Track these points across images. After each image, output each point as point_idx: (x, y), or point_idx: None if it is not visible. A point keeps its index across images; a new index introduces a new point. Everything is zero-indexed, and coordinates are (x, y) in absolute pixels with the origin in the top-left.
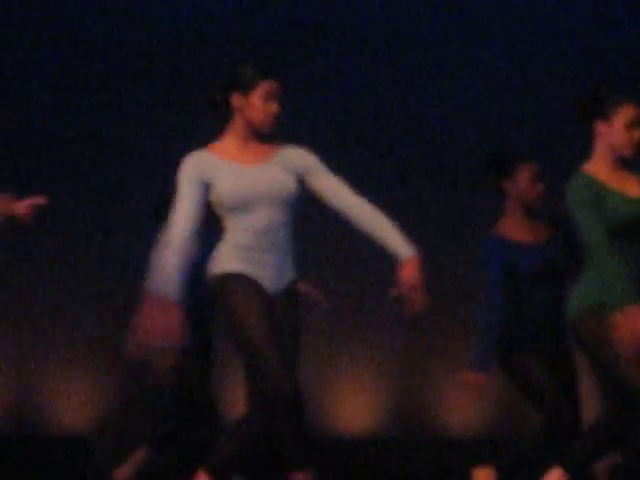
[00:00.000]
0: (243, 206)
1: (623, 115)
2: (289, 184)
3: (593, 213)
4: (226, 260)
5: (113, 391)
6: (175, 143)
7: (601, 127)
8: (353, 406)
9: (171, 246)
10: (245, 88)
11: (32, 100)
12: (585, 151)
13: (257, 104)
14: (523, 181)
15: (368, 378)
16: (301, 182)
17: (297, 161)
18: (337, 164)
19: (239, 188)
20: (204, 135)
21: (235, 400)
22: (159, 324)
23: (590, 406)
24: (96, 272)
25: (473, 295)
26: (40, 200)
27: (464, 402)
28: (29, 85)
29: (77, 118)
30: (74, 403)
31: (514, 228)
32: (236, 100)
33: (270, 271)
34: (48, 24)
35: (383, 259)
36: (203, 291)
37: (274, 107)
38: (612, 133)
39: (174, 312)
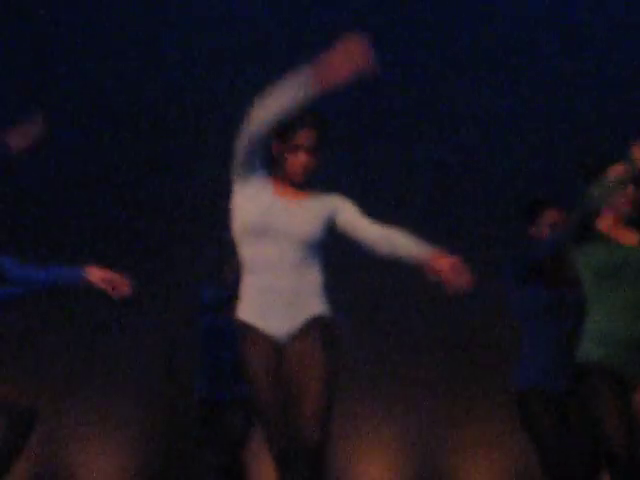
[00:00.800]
0: (256, 234)
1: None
2: (310, 226)
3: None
4: (243, 305)
5: (134, 465)
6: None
7: None
8: (372, 463)
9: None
10: (281, 139)
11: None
12: None
13: (288, 155)
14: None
15: (387, 435)
16: (331, 225)
17: (328, 204)
18: None
19: (261, 215)
20: None
21: None
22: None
23: None
24: (127, 348)
25: (492, 359)
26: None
27: (483, 463)
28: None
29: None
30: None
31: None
32: (275, 148)
33: (276, 316)
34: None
35: (406, 312)
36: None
37: (302, 158)
38: None
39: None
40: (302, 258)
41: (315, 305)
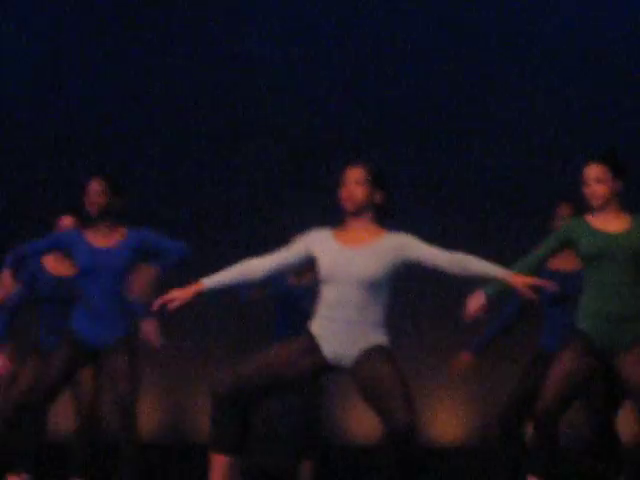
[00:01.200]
0: (328, 281)
1: (583, 176)
2: (371, 270)
3: (548, 243)
4: (313, 323)
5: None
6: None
7: None
8: (446, 415)
9: (243, 264)
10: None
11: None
12: None
13: (340, 192)
14: None
15: (459, 389)
16: (400, 263)
17: (393, 246)
18: None
19: (328, 266)
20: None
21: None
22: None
23: None
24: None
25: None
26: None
27: None
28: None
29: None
30: None
31: None
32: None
33: (335, 340)
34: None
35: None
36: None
37: (348, 188)
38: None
39: (192, 290)
40: (363, 298)
41: (373, 337)
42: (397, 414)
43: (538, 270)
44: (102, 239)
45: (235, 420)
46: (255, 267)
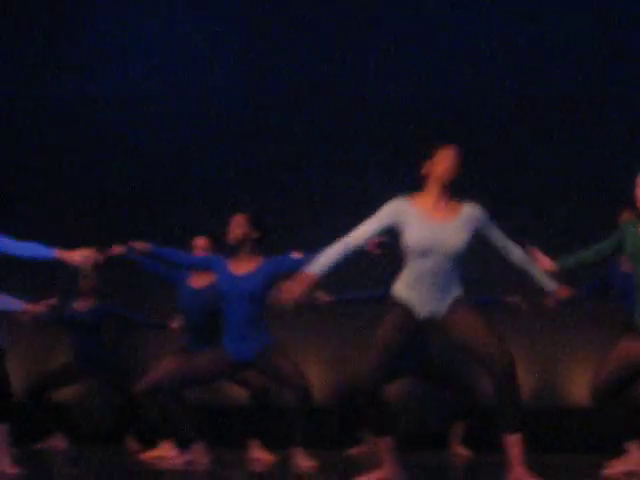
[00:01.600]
0: (417, 254)
1: (636, 181)
2: (461, 241)
3: (607, 240)
4: (399, 287)
5: None
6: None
7: None
8: (578, 380)
9: (341, 242)
10: (432, 157)
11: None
12: None
13: (437, 164)
14: None
15: (589, 356)
16: (476, 233)
17: (476, 218)
18: None
19: (419, 241)
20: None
21: None
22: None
23: None
24: None
25: None
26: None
27: None
28: None
29: None
30: None
31: None
32: (426, 168)
33: (425, 303)
34: None
35: None
36: None
37: (447, 166)
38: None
39: (305, 281)
40: (450, 266)
41: (455, 291)
42: (495, 357)
43: (595, 261)
44: (241, 266)
45: (380, 407)
46: (357, 237)
